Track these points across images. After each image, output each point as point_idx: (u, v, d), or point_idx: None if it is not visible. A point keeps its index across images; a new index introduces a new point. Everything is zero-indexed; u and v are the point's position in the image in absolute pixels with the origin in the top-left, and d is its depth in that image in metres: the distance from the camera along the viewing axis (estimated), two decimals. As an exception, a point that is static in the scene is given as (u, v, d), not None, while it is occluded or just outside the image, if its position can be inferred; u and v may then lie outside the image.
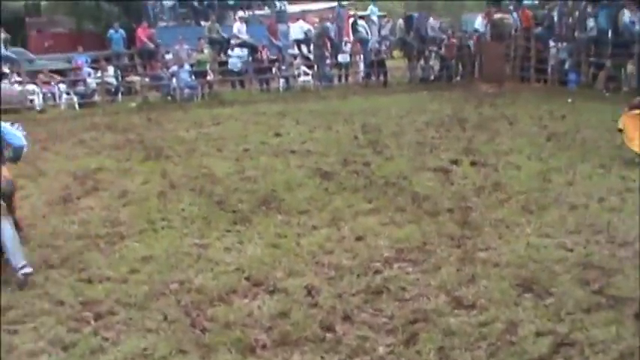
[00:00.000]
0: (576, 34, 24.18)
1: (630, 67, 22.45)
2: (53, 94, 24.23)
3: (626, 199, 10.10)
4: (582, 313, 6.44)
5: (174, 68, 24.07)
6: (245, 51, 25.75)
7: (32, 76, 24.18)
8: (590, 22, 23.54)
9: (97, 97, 24.42)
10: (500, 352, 5.79)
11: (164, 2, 30.82)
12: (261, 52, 26.01)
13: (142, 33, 26.06)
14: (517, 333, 6.09)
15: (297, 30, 27.31)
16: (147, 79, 25.29)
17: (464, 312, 6.53)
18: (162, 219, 9.65)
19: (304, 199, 10.38)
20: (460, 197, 10.17)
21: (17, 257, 7.35)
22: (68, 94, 24.14)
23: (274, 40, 26.55)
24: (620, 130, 12.95)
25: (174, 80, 23.94)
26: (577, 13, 24.35)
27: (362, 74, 26.41)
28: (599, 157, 12.84)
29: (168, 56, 25.91)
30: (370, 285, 7.18)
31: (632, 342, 5.91)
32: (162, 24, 30.66)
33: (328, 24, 26.75)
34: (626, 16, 22.44)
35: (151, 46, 26.22)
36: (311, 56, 26.24)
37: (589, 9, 23.92)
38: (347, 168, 12.26)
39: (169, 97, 23.89)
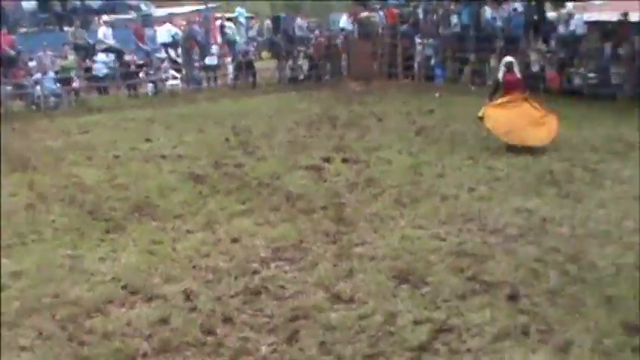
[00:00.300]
0: (441, 30, 24.85)
1: (493, 62, 23.27)
2: None
3: (495, 188, 10.48)
4: (458, 300, 6.64)
5: (38, 76, 23.18)
6: (111, 56, 25.11)
7: None
8: (454, 19, 24.30)
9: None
10: (381, 343, 5.88)
11: (24, 7, 29.65)
12: (127, 57, 25.42)
13: (1, 40, 24.99)
14: (396, 323, 6.22)
15: (164, 33, 26.78)
16: (9, 88, 24.26)
17: (343, 306, 6.60)
18: (32, 232, 9.26)
19: (178, 203, 10.22)
20: (334, 194, 10.26)
21: None
22: None
23: (141, 44, 26.02)
24: (481, 118, 13.53)
25: (38, 88, 23.06)
26: (441, 10, 25.05)
27: (231, 76, 26.23)
28: (468, 148, 13.25)
29: (32, 63, 24.95)
30: (249, 286, 7.16)
31: (506, 323, 6.15)
32: (22, 30, 29.50)
33: (195, 27, 26.42)
34: (488, 12, 23.31)
35: (12, 53, 25.18)
36: (179, 60, 25.85)
37: (452, 6, 24.66)
38: (219, 170, 12.14)
39: (34, 106, 22.98)
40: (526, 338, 5.95)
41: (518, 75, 14.31)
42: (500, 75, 14.03)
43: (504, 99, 13.53)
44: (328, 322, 6.27)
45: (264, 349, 5.93)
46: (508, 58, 14.31)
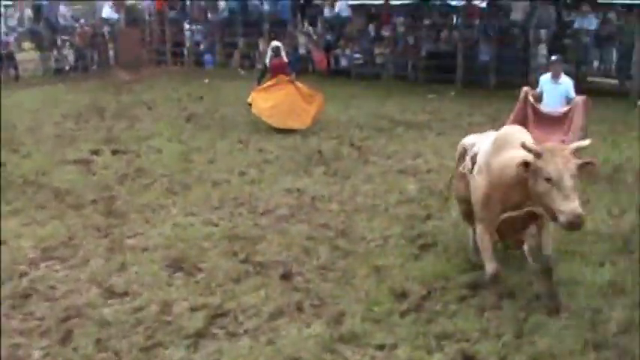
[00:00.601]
0: (209, 16, 24.83)
1: (262, 45, 23.56)
2: None
3: (265, 170, 10.66)
4: (232, 283, 6.68)
5: None
6: None
7: None
8: (222, 4, 24.36)
9: None
10: (157, 334, 5.80)
11: None
12: None
13: None
14: (172, 312, 6.16)
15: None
16: None
17: (117, 301, 6.44)
18: None
19: None
20: (103, 187, 9.95)
21: None
22: None
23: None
24: (250, 105, 13.83)
25: None
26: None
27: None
28: (238, 133, 13.36)
29: None
30: (17, 289, 6.78)
31: (281, 301, 6.28)
32: None
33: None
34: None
35: None
36: None
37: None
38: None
39: None
40: (301, 314, 6.10)
41: (285, 59, 14.68)
42: (267, 60, 14.34)
43: (270, 83, 13.94)
44: (103, 318, 6.09)
45: (36, 354, 5.66)
46: (275, 43, 14.72)
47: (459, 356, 5.37)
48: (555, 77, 10.73)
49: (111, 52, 25.71)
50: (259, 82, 14.22)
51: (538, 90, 10.74)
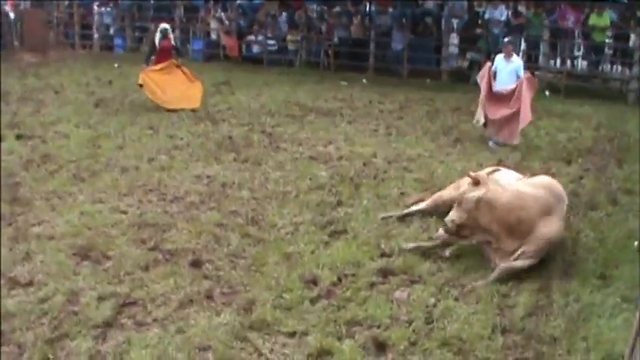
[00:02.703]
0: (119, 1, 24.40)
1: (177, 31, 23.26)
2: None
3: (175, 157, 10.54)
4: (141, 272, 6.57)
5: None
6: None
7: None
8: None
9: None
10: (64, 324, 5.65)
11: None
12: None
13: None
14: (79, 302, 6.01)
15: None
16: None
17: (22, 291, 6.23)
18: None
19: None
20: (7, 174, 9.59)
21: None
22: None
23: None
24: (141, 86, 14.06)
25: None
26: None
27: None
28: (148, 118, 13.24)
29: None
30: None
31: (191, 289, 6.20)
32: None
33: None
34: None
35: None
36: None
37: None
38: None
39: None
40: (211, 302, 6.05)
41: (173, 42, 15.06)
42: (156, 40, 14.59)
43: (160, 65, 14.25)
44: (6, 309, 5.88)
45: None
46: (163, 25, 14.92)
47: (370, 342, 5.41)
48: (507, 57, 12.30)
49: (16, 34, 24.92)
50: (147, 63, 14.54)
51: (493, 68, 12.25)
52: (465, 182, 7.54)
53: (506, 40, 13.34)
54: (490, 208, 6.58)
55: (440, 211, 7.75)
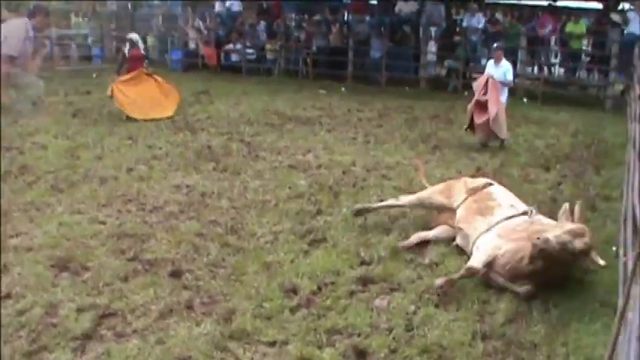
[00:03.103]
0: (97, 8, 24.35)
1: (150, 40, 23.21)
2: None
3: (153, 166, 10.50)
4: (120, 282, 6.52)
5: None
6: None
7: None
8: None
9: None
10: (42, 337, 5.59)
11: None
12: None
13: None
14: (58, 314, 5.95)
15: None
16: None
17: (-1, 304, 6.17)
18: None
19: None
20: (-16, 185, 9.54)
21: None
22: None
23: None
24: (111, 97, 14.11)
25: None
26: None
27: None
28: (127, 129, 13.19)
29: None
30: None
31: (170, 299, 6.16)
32: None
33: None
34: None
35: None
36: None
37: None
38: None
39: None
40: (191, 312, 6.01)
41: (142, 51, 15.25)
42: (126, 50, 14.76)
43: (129, 75, 14.26)
44: (-18, 322, 5.84)
45: None
46: (131, 35, 14.98)
47: (350, 351, 5.40)
48: (497, 61, 12.97)
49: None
50: (119, 73, 14.57)
51: (485, 74, 12.85)
52: (458, 190, 7.58)
53: (495, 45, 14.02)
54: None
55: (422, 210, 7.78)
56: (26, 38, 7.78)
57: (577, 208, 6.66)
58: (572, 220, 6.55)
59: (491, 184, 7.67)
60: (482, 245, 6.75)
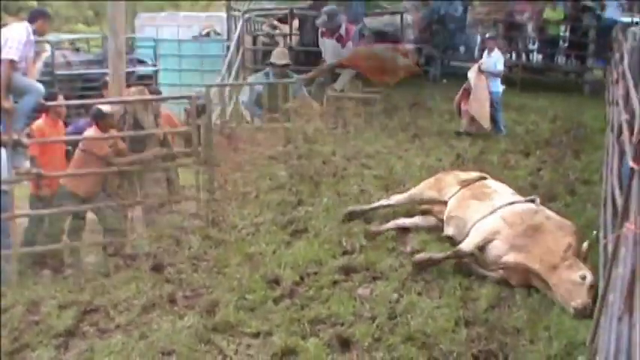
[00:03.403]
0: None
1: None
2: None
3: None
4: (102, 278, 6.52)
5: None
6: None
7: None
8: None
9: None
10: (24, 335, 5.60)
11: None
12: None
13: None
14: (39, 311, 5.95)
15: None
16: None
17: (-21, 303, 6.14)
18: None
19: None
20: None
21: None
22: None
23: None
24: None
25: None
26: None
27: None
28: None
29: None
30: None
31: (153, 294, 6.15)
32: None
33: None
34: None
35: None
36: None
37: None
38: None
39: None
40: (173, 305, 6.02)
41: None
42: None
43: None
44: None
45: None
46: None
47: (334, 340, 5.41)
48: (489, 51, 13.01)
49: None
50: None
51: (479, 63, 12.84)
52: (448, 183, 7.52)
53: (487, 35, 14.53)
54: None
55: (415, 208, 7.76)
56: (27, 42, 7.72)
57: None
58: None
59: (484, 178, 7.63)
60: (481, 227, 6.73)
